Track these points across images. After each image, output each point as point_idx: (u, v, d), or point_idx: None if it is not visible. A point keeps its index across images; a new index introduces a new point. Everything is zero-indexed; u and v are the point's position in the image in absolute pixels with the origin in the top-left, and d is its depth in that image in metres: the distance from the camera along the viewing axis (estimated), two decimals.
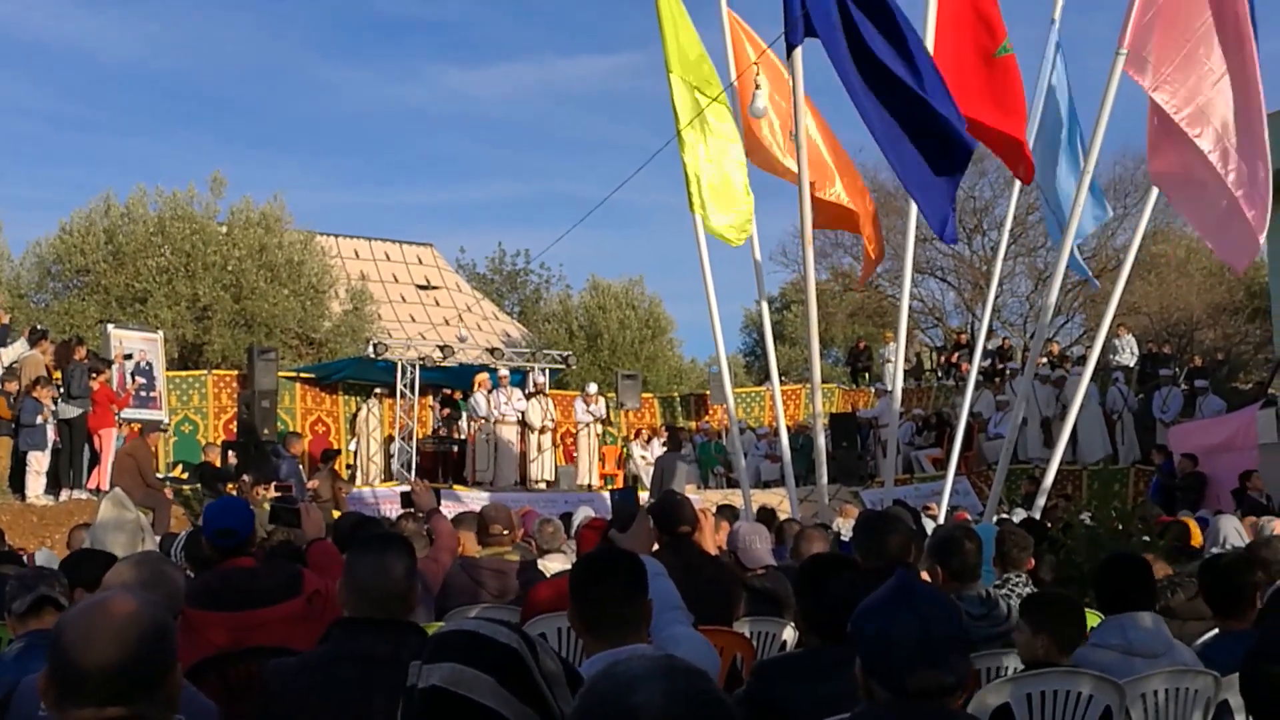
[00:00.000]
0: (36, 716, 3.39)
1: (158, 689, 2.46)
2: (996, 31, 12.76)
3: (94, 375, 16.48)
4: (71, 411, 15.89)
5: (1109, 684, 4.42)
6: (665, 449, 22.68)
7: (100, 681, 2.39)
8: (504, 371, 22.82)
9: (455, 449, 23.49)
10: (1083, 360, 21.49)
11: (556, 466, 23.09)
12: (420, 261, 34.29)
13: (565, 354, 25.66)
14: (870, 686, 2.45)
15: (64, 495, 15.87)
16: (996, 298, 20.91)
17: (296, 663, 3.57)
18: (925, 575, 5.75)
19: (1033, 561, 6.65)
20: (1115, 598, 4.91)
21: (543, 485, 22.24)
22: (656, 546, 5.22)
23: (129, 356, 19.43)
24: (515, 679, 2.10)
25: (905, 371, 22.59)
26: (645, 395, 27.97)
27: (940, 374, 29.02)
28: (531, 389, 23.16)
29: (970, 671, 2.48)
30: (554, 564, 7.78)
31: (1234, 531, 11.31)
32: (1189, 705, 4.64)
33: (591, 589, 3.43)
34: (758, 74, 13.73)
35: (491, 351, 24.05)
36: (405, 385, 22.63)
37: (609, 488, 22.60)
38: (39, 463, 15.66)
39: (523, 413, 22.40)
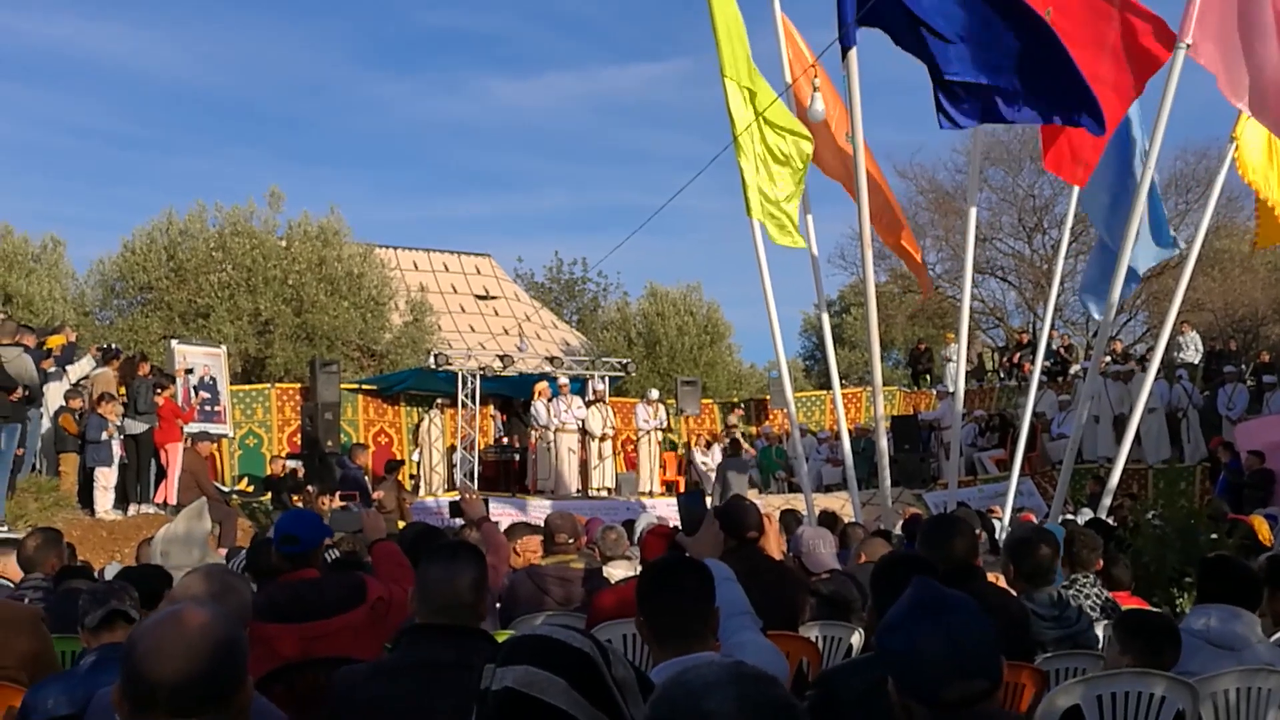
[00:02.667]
0: None
1: (230, 701, 2.47)
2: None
3: (159, 391, 16.69)
4: (138, 427, 16.10)
5: (1182, 685, 4.35)
6: (726, 455, 22.66)
7: (172, 694, 2.40)
8: (564, 380, 22.88)
9: (517, 458, 23.58)
10: (1145, 359, 21.24)
11: (617, 474, 23.13)
12: (478, 272, 34.45)
13: (624, 361, 25.67)
14: (906, 704, 2.41)
15: (132, 510, 16.07)
16: (1058, 296, 20.69)
17: (365, 669, 3.58)
18: (993, 577, 5.69)
19: (1101, 562, 6.56)
20: (1218, 597, 4.83)
21: (604, 493, 22.26)
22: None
23: (190, 371, 19.62)
24: (588, 683, 2.11)
25: (967, 373, 22.40)
26: (705, 401, 27.94)
27: (1002, 375, 28.78)
28: (591, 396, 23.20)
29: (1002, 668, 2.42)
30: (618, 571, 7.79)
31: None
32: (1262, 704, 4.56)
33: (659, 597, 3.42)
34: (815, 77, 13.66)
35: (551, 360, 24.14)
36: (466, 395, 22.75)
37: (671, 494, 22.59)
38: (106, 478, 15.86)
39: (583, 420, 22.44)
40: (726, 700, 1.53)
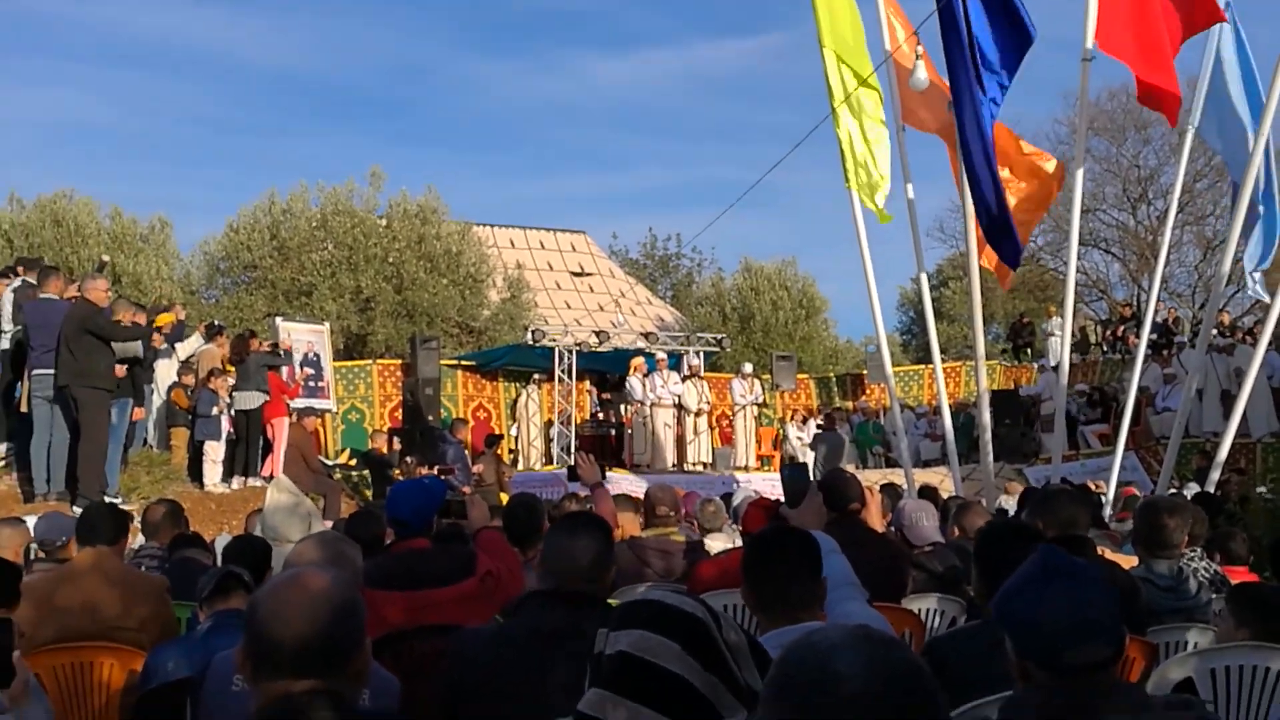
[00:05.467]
0: (229, 689, 3.53)
1: (349, 663, 2.53)
2: None
3: (271, 368, 17.03)
4: (251, 401, 16.40)
5: None
6: (820, 429, 22.59)
7: (295, 654, 2.46)
8: (660, 355, 22.90)
9: (613, 433, 23.68)
10: (1253, 332, 20.72)
11: (713, 449, 23.12)
12: (574, 249, 34.57)
13: (719, 336, 25.65)
14: (1025, 668, 2.39)
15: (238, 483, 16.40)
16: (1164, 267, 20.23)
17: (487, 633, 3.64)
18: (1100, 550, 5.61)
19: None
20: None
21: (700, 467, 22.27)
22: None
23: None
24: (700, 647, 2.12)
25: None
26: (800, 376, 27.82)
27: (1106, 348, 28.28)
28: (687, 372, 23.20)
29: (1125, 638, 2.40)
30: (717, 543, 7.82)
31: None
32: None
33: (766, 567, 3.42)
34: (918, 44, 13.46)
35: (646, 336, 24.16)
36: (563, 371, 22.88)
37: (766, 469, 22.56)
38: (215, 452, 16.17)
39: (679, 396, 22.44)
40: (855, 662, 1.53)
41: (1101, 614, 2.34)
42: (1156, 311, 22.32)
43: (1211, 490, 12.46)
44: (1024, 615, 2.37)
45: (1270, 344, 14.88)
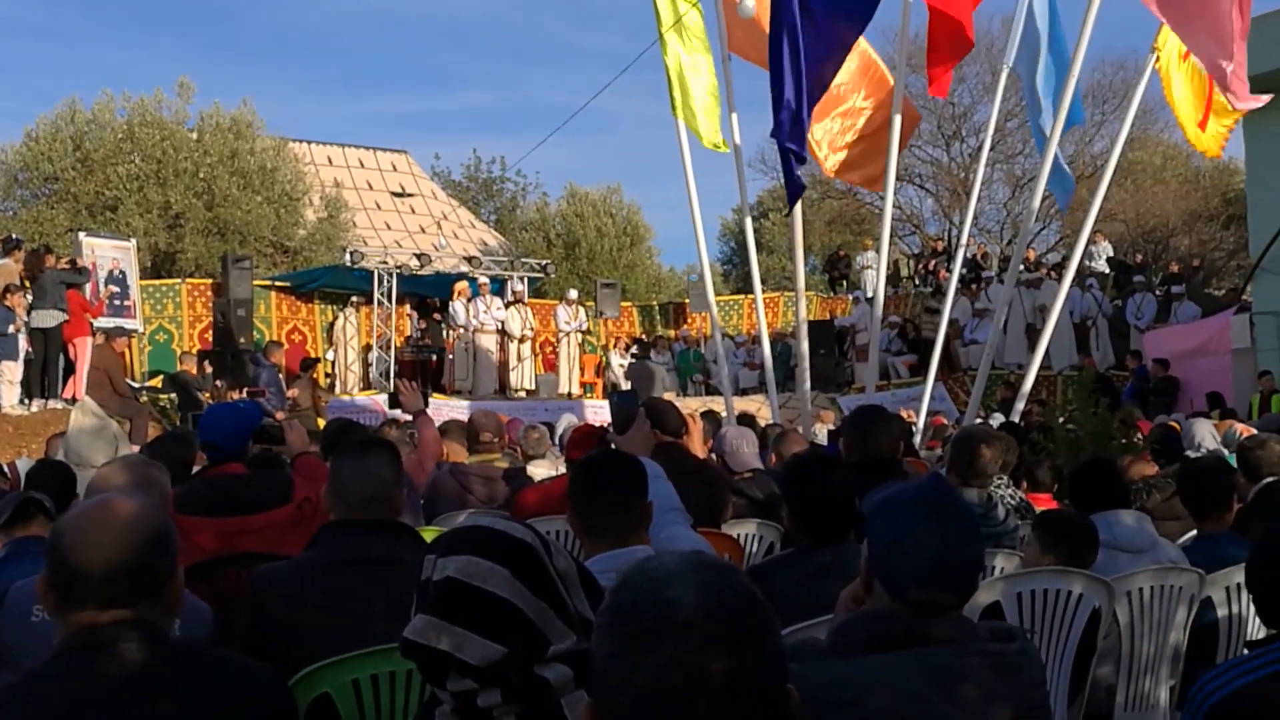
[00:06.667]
0: (28, 621, 3.37)
1: (160, 592, 2.43)
2: None
3: (70, 285, 16.32)
4: (48, 320, 15.73)
5: (1099, 583, 4.43)
6: (634, 359, 22.79)
7: (103, 583, 2.36)
8: (484, 279, 22.74)
9: (434, 357, 23.46)
10: (1059, 267, 21.50)
11: (536, 375, 23.11)
12: (395, 169, 33.88)
13: (544, 262, 25.57)
14: (871, 580, 2.39)
15: (37, 405, 15.78)
16: (975, 204, 20.76)
17: (287, 567, 3.55)
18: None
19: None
20: (1090, 500, 4.99)
21: (522, 394, 22.25)
22: None
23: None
24: (530, 573, 2.10)
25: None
26: (624, 304, 27.94)
27: (917, 281, 29.04)
28: (510, 297, 23.09)
29: (977, 587, 2.39)
30: (540, 470, 7.82)
31: (1208, 435, 11.38)
32: (1174, 602, 4.68)
33: (593, 492, 3.42)
34: None
35: (469, 260, 23.93)
36: (382, 294, 22.54)
37: (589, 396, 22.66)
38: (12, 372, 15.53)
39: (502, 321, 22.34)
40: (689, 588, 1.52)
41: (964, 564, 2.32)
42: (967, 247, 22.99)
43: (1016, 420, 12.92)
44: (888, 539, 2.32)
45: (1073, 281, 15.42)
